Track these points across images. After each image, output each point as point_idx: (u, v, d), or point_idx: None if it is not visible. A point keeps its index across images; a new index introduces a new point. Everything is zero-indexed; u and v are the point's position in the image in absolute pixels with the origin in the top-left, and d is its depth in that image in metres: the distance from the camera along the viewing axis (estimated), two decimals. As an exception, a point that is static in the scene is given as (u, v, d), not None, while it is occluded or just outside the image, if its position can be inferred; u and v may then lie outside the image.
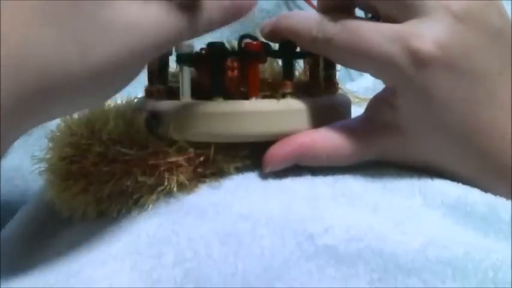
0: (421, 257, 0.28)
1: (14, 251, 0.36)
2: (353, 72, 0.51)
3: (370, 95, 0.36)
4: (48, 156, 0.35)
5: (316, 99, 0.35)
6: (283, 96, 0.35)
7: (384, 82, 0.33)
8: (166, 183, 0.33)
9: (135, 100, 0.37)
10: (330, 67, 0.37)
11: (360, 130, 0.34)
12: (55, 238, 0.35)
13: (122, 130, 0.34)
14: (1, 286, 0.31)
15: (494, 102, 0.32)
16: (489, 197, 0.33)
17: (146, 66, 0.36)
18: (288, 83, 0.35)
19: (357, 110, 0.37)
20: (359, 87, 0.47)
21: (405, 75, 0.31)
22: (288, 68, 0.35)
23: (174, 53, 0.35)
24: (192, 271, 0.29)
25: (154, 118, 0.35)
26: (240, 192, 0.32)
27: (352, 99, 0.39)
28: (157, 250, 0.30)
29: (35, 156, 0.36)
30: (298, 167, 0.34)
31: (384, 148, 0.34)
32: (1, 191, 0.43)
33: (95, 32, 0.27)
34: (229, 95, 0.34)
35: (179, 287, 0.29)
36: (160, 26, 0.29)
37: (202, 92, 0.35)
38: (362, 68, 0.34)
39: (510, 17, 0.34)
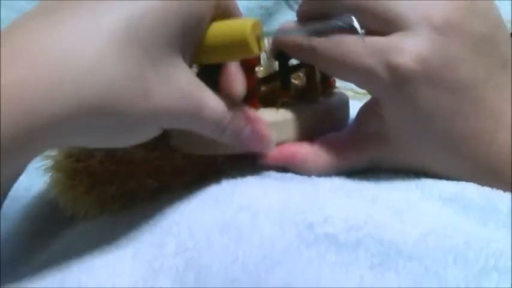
0: (421, 245, 0.28)
1: (17, 247, 0.36)
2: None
3: None
4: (54, 153, 0.36)
5: (312, 106, 0.36)
6: (282, 105, 0.35)
7: (368, 93, 0.34)
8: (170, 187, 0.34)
9: None
10: None
11: (350, 141, 0.35)
12: (57, 236, 0.35)
13: None
14: (2, 284, 0.31)
15: (481, 110, 0.32)
16: (486, 190, 0.33)
17: None
18: (285, 92, 0.35)
19: (356, 104, 0.37)
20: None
21: (386, 88, 0.31)
22: (285, 77, 0.36)
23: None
24: (193, 260, 0.29)
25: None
26: (241, 185, 0.33)
27: (351, 94, 0.39)
28: (158, 239, 0.30)
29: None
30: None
31: (374, 156, 0.34)
32: None
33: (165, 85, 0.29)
34: None
35: (180, 275, 0.29)
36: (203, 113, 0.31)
37: None
38: (345, 79, 0.34)
39: (503, 19, 0.34)
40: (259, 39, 0.31)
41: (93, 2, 0.28)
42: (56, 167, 0.35)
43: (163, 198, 0.33)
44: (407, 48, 0.31)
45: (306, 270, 0.28)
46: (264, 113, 0.34)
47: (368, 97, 0.36)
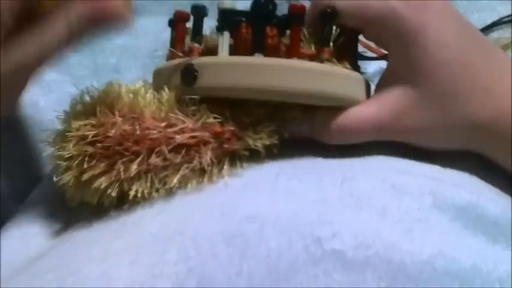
0: (429, 268, 0.28)
1: (17, 247, 0.35)
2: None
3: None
4: (63, 141, 0.34)
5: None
6: (321, 62, 0.35)
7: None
8: (194, 161, 0.33)
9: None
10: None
11: None
12: (58, 235, 0.34)
13: (143, 106, 0.33)
14: (1, 286, 0.30)
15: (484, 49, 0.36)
16: (501, 200, 0.32)
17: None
18: (327, 49, 0.35)
19: None
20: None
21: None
22: (327, 36, 0.35)
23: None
24: (196, 269, 0.28)
25: (190, 72, 0.34)
26: (247, 193, 0.32)
27: None
28: (160, 247, 0.29)
29: (47, 139, 0.35)
30: (305, 165, 0.34)
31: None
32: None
33: None
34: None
35: (181, 283, 0.28)
36: None
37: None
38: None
39: None
40: None
41: None
42: (69, 152, 0.33)
43: (168, 206, 0.32)
44: None
45: None
46: (309, 62, 0.34)
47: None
